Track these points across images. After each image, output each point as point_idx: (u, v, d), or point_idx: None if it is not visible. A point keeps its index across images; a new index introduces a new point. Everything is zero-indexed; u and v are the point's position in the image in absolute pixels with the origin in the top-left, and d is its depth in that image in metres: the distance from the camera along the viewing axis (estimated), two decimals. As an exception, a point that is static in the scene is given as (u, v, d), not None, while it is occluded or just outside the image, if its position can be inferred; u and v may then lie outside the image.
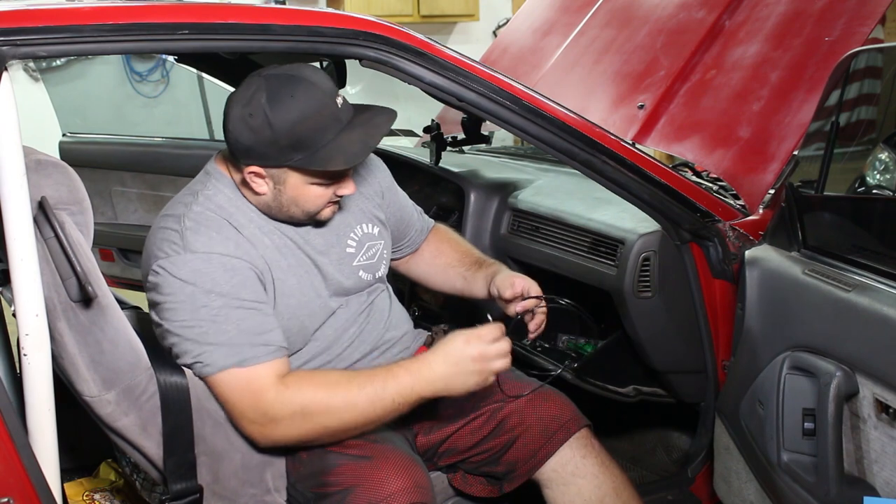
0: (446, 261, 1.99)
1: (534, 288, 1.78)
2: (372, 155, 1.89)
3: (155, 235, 1.58)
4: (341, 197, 1.64)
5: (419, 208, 2.03)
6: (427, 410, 1.77)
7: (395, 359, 1.75)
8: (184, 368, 1.53)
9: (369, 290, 1.79)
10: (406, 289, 2.65)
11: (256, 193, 1.59)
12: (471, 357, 1.52)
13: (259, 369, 1.52)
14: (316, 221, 1.67)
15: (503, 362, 1.55)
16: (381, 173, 1.89)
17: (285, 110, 1.47)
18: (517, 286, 1.77)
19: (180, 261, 1.52)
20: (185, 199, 1.62)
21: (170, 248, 1.53)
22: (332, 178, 1.57)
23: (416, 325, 1.95)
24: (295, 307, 1.63)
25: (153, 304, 1.56)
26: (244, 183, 1.59)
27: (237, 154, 1.55)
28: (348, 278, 1.73)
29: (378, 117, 1.59)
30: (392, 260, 1.98)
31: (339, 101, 1.54)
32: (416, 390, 1.53)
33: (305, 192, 1.57)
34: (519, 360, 2.34)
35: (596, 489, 1.72)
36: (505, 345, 1.55)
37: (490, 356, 1.53)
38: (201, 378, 1.54)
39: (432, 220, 2.06)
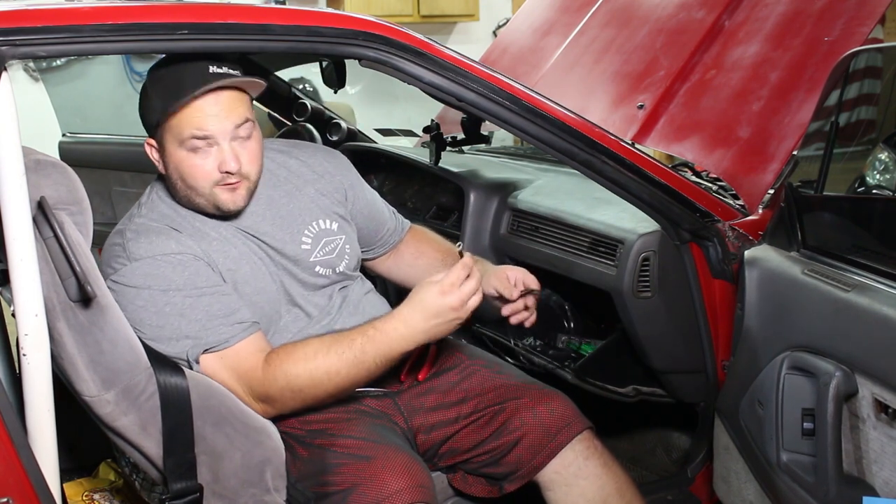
0: (428, 261, 2.00)
1: (528, 278, 1.78)
2: (337, 154, 1.92)
3: (105, 253, 1.64)
4: (231, 174, 1.59)
5: (392, 208, 2.03)
6: (427, 410, 1.78)
7: None
8: (183, 368, 1.53)
9: (336, 285, 1.79)
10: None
11: (164, 178, 1.65)
12: (450, 307, 1.52)
13: (241, 347, 1.58)
14: (223, 212, 1.64)
15: (477, 298, 1.54)
16: (343, 172, 1.88)
17: (158, 77, 1.58)
18: (512, 279, 1.78)
19: (128, 271, 1.57)
20: (131, 211, 1.70)
21: (117, 262, 1.59)
22: (194, 136, 1.55)
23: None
24: (251, 294, 1.66)
25: None
26: (159, 184, 1.67)
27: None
28: (304, 271, 1.74)
29: (239, 78, 1.59)
30: (369, 260, 2.00)
31: (214, 69, 1.55)
32: (395, 348, 1.55)
33: (181, 159, 1.58)
34: (517, 358, 2.35)
35: (599, 490, 1.72)
36: (475, 281, 1.53)
37: (465, 298, 1.52)
38: (197, 370, 1.57)
39: (408, 221, 2.06)
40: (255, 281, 1.67)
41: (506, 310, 1.79)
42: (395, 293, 2.49)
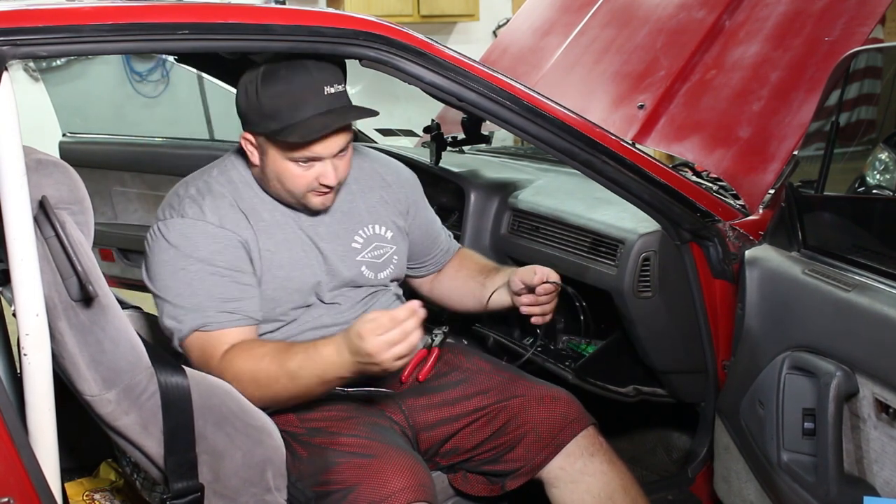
0: (467, 273, 2.04)
1: (552, 275, 1.82)
2: (407, 170, 1.98)
3: (166, 198, 1.72)
4: (329, 188, 1.68)
5: (448, 231, 2.08)
6: (429, 408, 1.78)
7: None
8: (184, 368, 1.53)
9: (370, 290, 1.79)
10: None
11: (252, 165, 1.70)
12: (367, 352, 1.47)
13: (218, 336, 1.61)
14: (308, 209, 1.72)
15: (402, 348, 1.46)
16: (410, 188, 1.95)
17: (272, 83, 1.60)
18: (539, 273, 1.81)
19: (172, 224, 1.65)
20: (205, 168, 1.76)
21: (169, 211, 1.67)
22: (305, 157, 1.63)
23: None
24: (283, 279, 1.70)
25: (145, 262, 1.68)
26: (243, 151, 1.71)
27: (240, 120, 1.67)
28: (349, 269, 1.77)
29: (353, 111, 1.66)
30: (415, 278, 2.04)
31: (329, 90, 1.61)
32: (328, 371, 1.54)
33: (284, 167, 1.65)
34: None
35: (605, 486, 1.73)
36: (398, 332, 1.45)
37: (382, 347, 1.45)
38: (176, 341, 1.63)
39: (458, 244, 2.11)
40: (291, 267, 1.71)
41: (524, 299, 1.83)
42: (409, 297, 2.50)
